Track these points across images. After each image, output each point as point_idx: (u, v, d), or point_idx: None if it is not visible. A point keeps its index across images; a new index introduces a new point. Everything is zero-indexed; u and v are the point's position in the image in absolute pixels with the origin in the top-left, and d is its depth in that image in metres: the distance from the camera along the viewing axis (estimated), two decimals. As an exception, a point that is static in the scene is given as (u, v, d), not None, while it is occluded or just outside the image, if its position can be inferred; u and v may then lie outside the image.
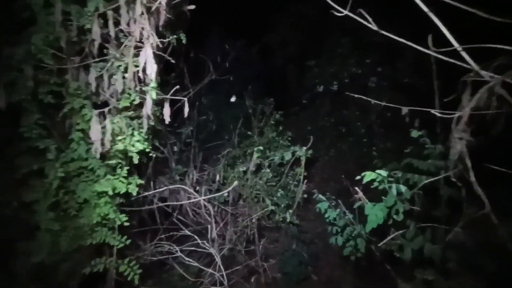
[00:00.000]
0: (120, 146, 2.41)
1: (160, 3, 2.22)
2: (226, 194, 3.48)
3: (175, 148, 3.75)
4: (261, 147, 3.60)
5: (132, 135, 2.48)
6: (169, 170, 3.58)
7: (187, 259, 3.02)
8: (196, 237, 3.10)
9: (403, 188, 2.01)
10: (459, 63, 1.41)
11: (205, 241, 3.08)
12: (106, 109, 2.37)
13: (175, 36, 2.59)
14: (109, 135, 2.28)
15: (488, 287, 1.89)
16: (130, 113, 2.53)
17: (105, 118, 2.31)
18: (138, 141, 2.48)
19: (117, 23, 2.24)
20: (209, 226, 3.21)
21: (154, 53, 2.20)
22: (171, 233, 3.24)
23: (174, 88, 2.46)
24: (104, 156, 2.44)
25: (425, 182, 2.10)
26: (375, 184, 2.04)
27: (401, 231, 2.20)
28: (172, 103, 2.44)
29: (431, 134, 2.32)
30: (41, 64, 2.22)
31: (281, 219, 3.44)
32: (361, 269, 2.93)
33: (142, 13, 2.18)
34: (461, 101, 1.53)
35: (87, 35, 2.28)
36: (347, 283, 3.32)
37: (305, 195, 3.52)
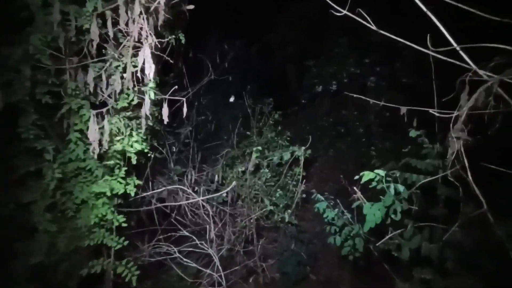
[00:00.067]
0: (118, 146, 2.41)
1: (159, 3, 2.21)
2: (224, 195, 3.47)
3: (174, 149, 3.74)
4: (260, 147, 3.60)
5: (131, 135, 2.47)
6: (167, 171, 3.57)
7: (185, 260, 3.01)
8: (194, 237, 3.10)
9: (401, 187, 2.02)
10: (457, 62, 1.42)
11: (203, 242, 3.07)
12: (104, 110, 2.36)
13: (174, 36, 2.58)
14: (107, 135, 2.27)
15: (486, 286, 1.90)
16: (129, 113, 2.52)
17: (103, 118, 2.30)
18: (136, 141, 2.47)
19: (115, 23, 2.23)
20: (207, 226, 3.20)
21: (152, 53, 2.19)
22: (170, 233, 3.24)
23: (173, 88, 2.45)
24: (102, 157, 2.43)
25: (423, 182, 2.10)
26: (373, 183, 2.05)
27: (399, 231, 2.20)
28: (171, 103, 2.43)
29: (429, 133, 2.33)
30: (39, 64, 2.20)
31: (279, 219, 3.44)
32: (360, 268, 2.94)
33: (141, 13, 2.17)
34: (459, 100, 1.54)
35: (85, 35, 2.27)
36: (346, 283, 3.32)
37: (304, 195, 3.52)
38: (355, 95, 2.48)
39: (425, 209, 2.25)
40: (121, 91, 2.39)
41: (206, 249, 3.05)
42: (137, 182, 2.57)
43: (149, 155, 2.77)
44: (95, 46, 2.24)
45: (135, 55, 2.27)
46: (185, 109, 2.40)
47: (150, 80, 2.28)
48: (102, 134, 2.27)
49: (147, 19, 2.21)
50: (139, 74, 2.23)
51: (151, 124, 2.60)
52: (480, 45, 1.31)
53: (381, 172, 2.02)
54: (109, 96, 2.43)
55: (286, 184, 3.64)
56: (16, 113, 2.31)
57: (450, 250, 2.05)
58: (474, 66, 1.39)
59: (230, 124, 4.20)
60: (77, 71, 2.33)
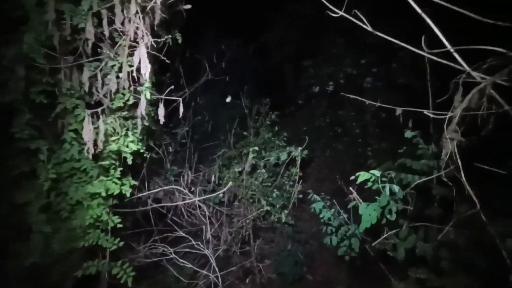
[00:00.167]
0: (113, 146, 2.39)
1: (155, 2, 2.21)
2: (221, 195, 3.47)
3: (170, 149, 3.73)
4: (256, 148, 3.60)
5: (126, 135, 2.46)
6: (163, 171, 3.56)
7: (181, 260, 3.00)
8: (190, 238, 3.08)
9: (396, 188, 2.03)
10: (451, 64, 1.43)
11: (199, 242, 3.07)
12: (99, 109, 2.34)
13: (170, 36, 2.57)
14: (102, 135, 2.25)
15: (480, 285, 1.92)
16: (124, 113, 2.50)
17: (98, 118, 2.28)
18: (132, 141, 2.46)
19: (111, 22, 2.22)
20: (204, 227, 3.19)
21: (148, 52, 2.18)
22: (166, 234, 3.22)
23: (169, 88, 2.44)
24: (97, 157, 2.41)
25: (418, 182, 2.12)
26: (369, 184, 2.06)
27: (394, 231, 2.22)
28: (167, 103, 2.42)
29: (424, 134, 2.35)
30: (34, 63, 2.18)
31: (276, 220, 3.45)
32: (356, 268, 2.95)
33: (137, 12, 2.16)
34: (453, 102, 1.55)
35: (80, 34, 2.25)
36: (342, 283, 3.33)
37: (301, 196, 3.53)
38: (351, 96, 2.49)
39: (420, 209, 2.26)
40: (117, 91, 2.38)
41: (202, 249, 3.04)
42: (133, 182, 2.56)
43: (145, 155, 2.75)
44: (90, 45, 2.22)
45: (131, 54, 2.25)
46: (181, 109, 2.39)
47: (146, 80, 2.27)
48: (97, 134, 2.25)
49: (143, 18, 2.20)
50: (135, 74, 2.22)
51: (147, 124, 2.59)
52: (474, 47, 1.32)
53: (377, 173, 2.03)
54: (104, 95, 2.41)
55: (282, 184, 3.64)
56: (10, 113, 2.28)
57: (445, 250, 2.07)
58: (467, 68, 1.40)
59: (227, 124, 4.19)
60: (72, 71, 2.31)
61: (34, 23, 2.16)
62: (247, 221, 3.45)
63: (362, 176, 2.03)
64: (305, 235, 3.65)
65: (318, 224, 2.83)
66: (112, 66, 2.33)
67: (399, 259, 2.18)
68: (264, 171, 3.64)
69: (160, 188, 3.20)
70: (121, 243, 2.47)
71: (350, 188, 2.26)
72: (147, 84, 2.35)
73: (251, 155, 3.54)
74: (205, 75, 4.09)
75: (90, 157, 2.31)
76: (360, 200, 2.20)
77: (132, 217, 3.02)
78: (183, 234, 3.19)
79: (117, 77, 2.32)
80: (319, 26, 5.10)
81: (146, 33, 2.19)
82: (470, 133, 1.59)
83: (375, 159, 3.05)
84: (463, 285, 1.96)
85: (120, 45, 2.30)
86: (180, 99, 2.40)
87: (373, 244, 2.31)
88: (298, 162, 3.51)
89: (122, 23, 2.20)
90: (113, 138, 2.41)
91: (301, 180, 3.54)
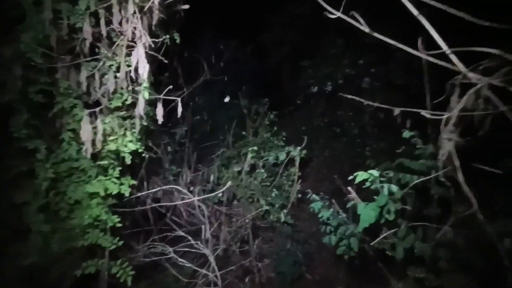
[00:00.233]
0: (112, 146, 2.39)
1: (153, 2, 2.20)
2: (220, 195, 3.47)
3: (169, 149, 3.72)
4: (255, 147, 3.60)
5: (125, 135, 2.46)
6: (162, 171, 3.55)
7: (180, 260, 3.00)
8: (190, 237, 3.09)
9: (394, 187, 2.04)
10: (448, 65, 1.44)
11: (199, 242, 3.07)
12: (97, 109, 2.34)
13: (168, 36, 2.57)
14: (100, 135, 2.25)
15: (478, 284, 1.93)
16: (123, 113, 2.50)
17: (96, 118, 2.28)
18: (130, 141, 2.46)
19: (109, 22, 2.21)
20: (203, 226, 3.20)
21: (146, 52, 2.18)
22: (165, 234, 3.22)
23: (168, 88, 2.44)
24: (95, 157, 2.41)
25: (416, 182, 2.13)
26: (367, 184, 2.07)
27: (393, 230, 2.23)
28: (166, 103, 2.42)
29: (422, 134, 2.36)
30: (31, 63, 2.18)
31: (275, 219, 3.45)
32: (355, 267, 2.96)
33: (135, 12, 2.16)
34: (450, 102, 1.56)
35: (78, 33, 2.25)
36: (341, 282, 3.35)
37: (299, 195, 3.54)
38: (350, 96, 2.50)
39: (418, 209, 2.28)
40: (115, 91, 2.38)
41: (201, 249, 3.04)
42: (132, 182, 2.56)
43: (143, 155, 2.75)
44: (88, 45, 2.22)
45: (129, 54, 2.25)
46: (179, 109, 2.39)
47: (144, 79, 2.27)
48: (95, 133, 2.25)
49: (141, 18, 2.20)
50: (133, 74, 2.22)
51: (145, 124, 2.59)
52: (470, 49, 1.33)
53: (375, 173, 2.04)
54: (102, 95, 2.41)
55: (281, 184, 3.65)
56: (8, 113, 2.28)
57: (443, 249, 2.08)
58: (464, 69, 1.41)
59: (226, 124, 4.19)
60: (69, 70, 2.30)
61: (31, 22, 2.15)
62: (246, 220, 3.45)
63: (361, 176, 2.04)
64: (304, 234, 3.66)
65: (317, 224, 2.84)
66: (110, 66, 2.32)
67: (397, 259, 2.19)
68: (263, 170, 3.65)
69: (159, 188, 3.19)
70: (120, 243, 2.47)
71: (349, 188, 2.27)
72: (145, 84, 2.35)
73: (250, 155, 3.55)
74: (203, 75, 4.09)
75: (89, 156, 2.31)
76: (359, 200, 2.21)
77: (131, 216, 3.02)
78: (182, 234, 3.19)
79: (115, 76, 2.32)
80: (318, 26, 5.10)
81: (144, 33, 2.19)
82: (467, 133, 1.60)
83: (374, 159, 3.06)
84: (461, 285, 1.97)
85: (118, 45, 2.30)
86: (179, 99, 2.39)
87: (371, 244, 2.32)
88: (297, 162, 3.52)
89: (120, 23, 2.20)
90: (112, 137, 2.41)
91: (300, 180, 3.55)
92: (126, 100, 2.42)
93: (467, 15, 1.30)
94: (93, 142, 2.26)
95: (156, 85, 2.70)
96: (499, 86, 1.37)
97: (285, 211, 3.43)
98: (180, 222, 3.41)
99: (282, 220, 3.41)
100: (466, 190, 1.60)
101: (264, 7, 5.25)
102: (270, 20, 5.50)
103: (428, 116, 1.67)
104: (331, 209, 2.62)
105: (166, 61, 2.59)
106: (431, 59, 1.45)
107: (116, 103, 2.41)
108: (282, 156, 3.59)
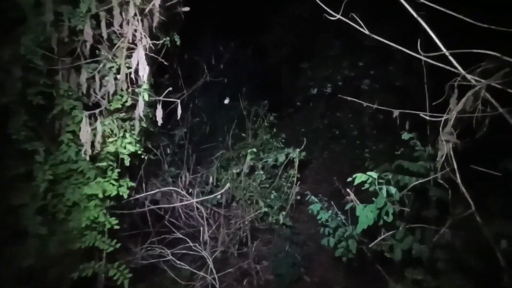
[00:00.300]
0: (111, 148, 2.38)
1: (153, 4, 2.21)
2: (219, 196, 3.46)
3: (168, 150, 3.72)
4: (254, 149, 3.60)
5: (124, 137, 2.45)
6: (161, 172, 3.55)
7: (179, 262, 2.99)
8: (188, 240, 3.08)
9: (393, 189, 2.05)
10: (446, 67, 1.45)
11: (197, 244, 3.06)
12: (97, 111, 2.34)
13: (168, 38, 2.58)
14: (99, 137, 2.25)
15: (475, 286, 1.93)
16: (122, 114, 2.50)
17: (96, 119, 2.28)
18: (129, 143, 2.45)
19: (109, 24, 2.22)
20: (201, 228, 3.18)
21: (147, 54, 2.19)
22: (163, 236, 3.21)
23: (167, 90, 2.44)
24: (94, 158, 2.41)
25: (415, 184, 2.13)
26: (366, 185, 2.07)
27: (391, 232, 2.23)
28: (166, 105, 2.42)
29: (421, 136, 2.37)
30: (31, 65, 2.18)
31: (274, 221, 3.45)
32: (353, 269, 2.95)
33: (135, 15, 2.17)
34: (449, 104, 1.57)
35: (78, 36, 2.25)
36: (339, 284, 3.34)
37: (298, 197, 3.54)
38: (349, 98, 2.51)
39: (417, 210, 2.28)
40: (115, 92, 2.38)
41: (200, 251, 3.03)
42: (130, 184, 2.55)
43: (142, 156, 2.75)
44: (88, 47, 2.22)
45: (129, 56, 2.26)
46: (179, 111, 2.39)
47: (144, 81, 2.27)
48: (94, 135, 2.25)
49: (142, 20, 2.21)
50: (133, 76, 2.22)
51: (145, 125, 2.59)
52: (469, 51, 1.34)
53: (374, 174, 2.05)
54: (102, 97, 2.41)
55: (280, 186, 3.65)
56: (7, 114, 2.27)
57: (441, 251, 2.08)
58: (462, 71, 1.42)
59: (225, 126, 4.20)
60: (69, 72, 2.31)
61: (31, 24, 2.16)
62: (245, 222, 3.44)
63: (359, 177, 2.04)
64: (302, 236, 3.65)
65: (316, 226, 2.84)
66: (110, 68, 2.33)
67: (396, 260, 2.19)
68: (262, 172, 3.64)
69: (157, 190, 3.19)
70: (118, 245, 2.46)
71: (348, 190, 2.27)
72: (145, 86, 2.35)
73: (249, 157, 3.55)
74: (203, 77, 4.10)
75: (88, 158, 2.30)
76: (357, 202, 2.21)
77: (129, 218, 3.01)
78: (181, 236, 3.18)
79: (115, 78, 2.32)
80: (317, 28, 5.13)
81: (145, 35, 2.20)
82: (465, 135, 1.61)
83: (373, 160, 3.07)
84: (458, 286, 1.97)
85: (118, 47, 2.30)
86: (178, 101, 2.40)
87: (370, 246, 2.32)
88: (296, 164, 3.52)
89: (121, 25, 2.20)
90: (111, 139, 2.41)
91: (299, 182, 3.55)
92: (126, 102, 2.43)
93: (465, 17, 1.31)
94: (92, 144, 2.25)
95: (156, 87, 2.71)
96: (498, 88, 1.38)
97: (284, 213, 3.43)
98: (179, 224, 3.40)
99: (281, 222, 3.40)
100: (464, 192, 1.61)
101: (264, 9, 5.28)
102: (270, 21, 5.53)
103: (427, 118, 1.68)
104: (330, 211, 2.62)
105: (166, 63, 2.59)
106: (430, 60, 1.46)
107: (116, 105, 2.41)
108: (281, 158, 3.59)
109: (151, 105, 2.62)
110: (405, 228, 2.19)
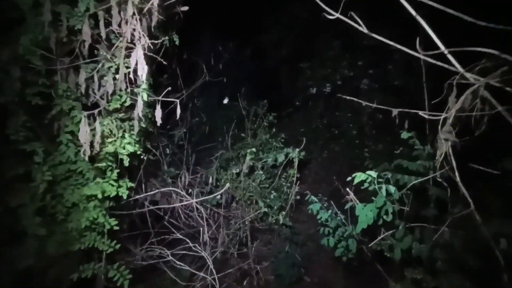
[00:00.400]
0: (110, 148, 2.38)
1: (152, 4, 2.21)
2: (218, 197, 3.46)
3: (168, 151, 3.72)
4: (254, 149, 3.60)
5: (123, 137, 2.45)
6: (161, 173, 3.54)
7: (178, 263, 2.98)
8: (188, 240, 3.07)
9: (392, 188, 2.05)
10: (445, 65, 1.45)
11: (197, 245, 3.05)
12: (96, 111, 2.34)
13: (167, 38, 2.57)
14: (98, 137, 2.24)
15: (474, 285, 1.93)
16: (121, 114, 2.50)
17: (95, 120, 2.27)
18: (129, 143, 2.45)
19: (108, 24, 2.22)
20: (201, 229, 3.18)
21: (145, 54, 2.18)
22: (163, 236, 3.20)
23: (166, 90, 2.44)
24: (93, 159, 2.40)
25: (414, 183, 2.13)
26: (365, 185, 2.07)
27: (391, 231, 2.23)
28: (165, 105, 2.42)
29: (420, 135, 2.37)
30: (30, 65, 2.17)
31: (274, 221, 3.44)
32: (353, 269, 2.95)
33: (134, 14, 2.16)
34: (448, 103, 1.57)
35: (77, 35, 2.25)
36: (339, 284, 3.34)
37: (298, 197, 3.53)
38: (348, 97, 2.51)
39: (416, 209, 2.28)
40: (114, 93, 2.37)
41: (199, 252, 3.03)
42: (130, 184, 2.54)
43: (142, 157, 2.74)
44: (87, 46, 2.22)
45: (127, 56, 2.25)
46: (178, 111, 2.39)
47: (143, 81, 2.27)
48: (93, 136, 2.24)
49: (140, 20, 2.21)
50: (131, 75, 2.22)
51: (144, 125, 2.58)
52: (467, 49, 1.34)
53: (373, 174, 2.04)
54: (101, 97, 2.40)
55: (280, 186, 3.64)
56: (5, 115, 2.26)
57: (440, 250, 2.08)
58: (461, 70, 1.42)
59: (224, 126, 4.19)
60: (68, 72, 2.30)
61: (30, 24, 2.15)
62: (245, 222, 3.44)
63: (359, 177, 2.04)
64: (302, 236, 3.65)
65: (316, 226, 2.84)
66: (109, 68, 2.32)
67: (395, 260, 2.19)
68: (261, 172, 3.64)
69: (157, 190, 3.18)
70: (118, 246, 2.45)
71: (347, 189, 2.27)
72: (144, 86, 2.35)
73: (248, 157, 3.54)
74: (202, 77, 4.09)
75: (87, 159, 2.30)
76: (357, 201, 2.21)
77: (129, 219, 3.00)
78: (180, 236, 3.17)
79: (114, 78, 2.32)
80: (316, 28, 5.14)
81: (143, 35, 2.19)
82: (464, 134, 1.61)
83: (372, 160, 3.07)
84: (457, 285, 1.97)
85: (117, 46, 2.30)
86: (177, 101, 2.39)
87: (370, 245, 2.32)
88: (296, 164, 3.52)
89: (119, 25, 2.20)
90: (110, 139, 2.40)
91: (298, 182, 3.55)
92: (124, 102, 2.42)
93: (464, 15, 1.32)
94: (91, 144, 2.25)
95: (155, 87, 2.70)
96: (496, 86, 1.38)
97: (283, 213, 3.42)
98: (178, 225, 3.39)
99: (281, 222, 3.40)
100: (463, 191, 1.61)
101: (263, 9, 5.28)
102: (269, 22, 5.54)
103: (425, 116, 1.68)
104: (329, 211, 2.62)
105: (165, 63, 2.59)
106: (428, 59, 1.46)
107: (115, 105, 2.41)
108: (281, 158, 3.59)
109: (150, 105, 2.61)
110: (404, 227, 2.19)
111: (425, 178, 2.12)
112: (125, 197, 2.49)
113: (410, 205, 2.22)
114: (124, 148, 2.43)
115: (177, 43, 2.67)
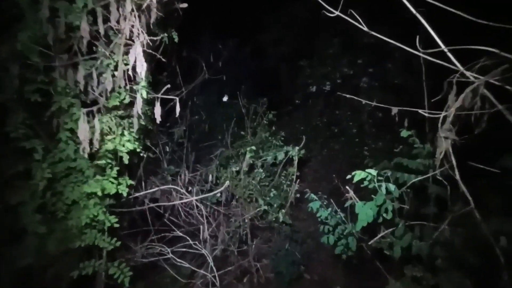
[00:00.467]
0: (109, 146, 2.37)
1: (151, 0, 2.20)
2: (218, 195, 3.46)
3: (167, 148, 3.72)
4: (254, 147, 3.60)
5: (122, 134, 2.44)
6: (161, 171, 3.54)
7: (179, 260, 2.99)
8: (188, 238, 3.08)
9: (392, 186, 2.05)
10: (445, 64, 1.45)
11: (197, 242, 3.06)
12: (95, 108, 2.33)
13: (166, 35, 2.56)
14: (98, 134, 2.24)
15: (474, 283, 1.94)
16: (120, 112, 2.49)
17: (94, 117, 2.27)
18: (128, 141, 2.44)
19: (106, 20, 2.20)
20: (201, 226, 3.19)
21: (144, 51, 2.17)
22: (163, 234, 3.21)
23: (166, 87, 2.43)
24: (93, 156, 2.39)
25: (414, 181, 2.14)
26: (365, 183, 2.07)
27: (390, 229, 2.23)
28: (164, 102, 2.41)
29: (420, 133, 2.37)
30: (28, 62, 2.16)
31: (274, 219, 3.45)
32: (353, 267, 2.96)
33: (133, 10, 2.15)
34: (447, 101, 1.57)
35: (75, 32, 2.23)
36: (339, 282, 3.35)
37: (298, 195, 3.54)
38: (348, 96, 2.51)
39: (416, 207, 2.29)
40: (113, 90, 2.36)
41: (199, 249, 3.03)
42: (130, 182, 2.54)
43: (141, 154, 2.74)
44: (85, 43, 2.21)
45: (126, 53, 2.24)
46: (178, 109, 2.38)
47: (142, 78, 2.26)
48: (93, 133, 2.24)
49: (139, 16, 2.19)
50: (130, 73, 2.21)
51: (143, 123, 2.58)
52: (467, 47, 1.34)
53: (373, 172, 2.05)
54: (100, 94, 2.39)
55: (280, 184, 3.65)
56: (4, 112, 2.25)
57: (440, 248, 2.09)
58: (461, 68, 1.42)
59: (224, 124, 4.19)
60: (67, 69, 2.29)
61: (28, 21, 2.13)
62: (245, 220, 3.45)
63: (359, 175, 2.04)
64: (302, 234, 3.66)
65: (316, 223, 2.85)
66: (108, 65, 2.31)
67: (395, 258, 2.20)
68: (261, 170, 3.64)
69: (157, 188, 3.18)
70: (118, 243, 2.45)
71: (347, 187, 2.28)
72: (143, 83, 2.34)
73: (248, 155, 3.54)
74: (202, 75, 4.08)
75: (86, 156, 2.29)
76: (357, 199, 2.21)
77: (129, 216, 3.00)
78: (181, 234, 3.18)
79: (113, 75, 2.30)
80: (316, 26, 5.13)
81: (142, 32, 2.18)
82: (464, 132, 1.61)
83: (372, 158, 3.07)
84: (457, 283, 1.98)
85: (116, 43, 2.29)
86: (177, 98, 2.39)
87: (369, 243, 2.32)
88: (295, 162, 3.52)
89: (118, 21, 2.18)
90: (109, 137, 2.40)
91: (298, 180, 3.55)
92: (124, 99, 2.41)
93: (464, 13, 1.31)
94: (91, 142, 2.24)
95: (154, 84, 2.69)
96: (496, 84, 1.38)
97: (283, 211, 3.43)
98: (178, 223, 3.40)
99: (281, 220, 3.40)
100: (463, 189, 1.61)
101: (262, 7, 5.27)
102: (269, 20, 5.52)
103: (425, 115, 1.68)
104: (329, 209, 2.62)
105: (164, 60, 2.58)
106: (428, 57, 1.46)
107: (114, 102, 2.40)
108: (281, 156, 3.59)
109: (149, 103, 2.61)
110: (404, 225, 2.19)
111: (425, 176, 2.12)
112: (125, 194, 2.48)
113: (410, 203, 2.22)
114: (123, 145, 2.42)
115: (176, 40, 2.65)
